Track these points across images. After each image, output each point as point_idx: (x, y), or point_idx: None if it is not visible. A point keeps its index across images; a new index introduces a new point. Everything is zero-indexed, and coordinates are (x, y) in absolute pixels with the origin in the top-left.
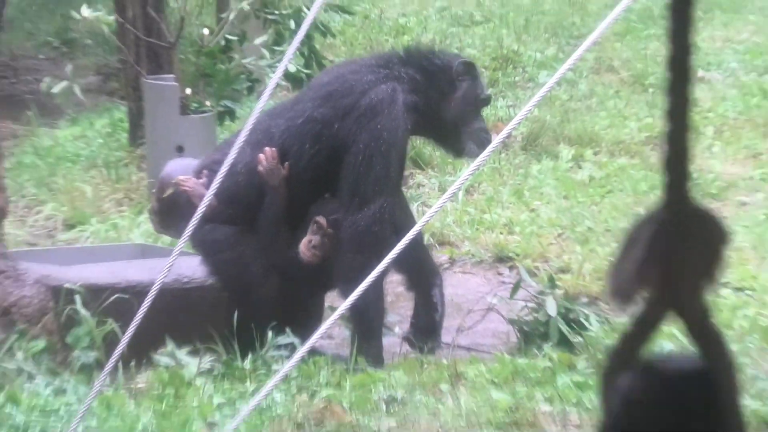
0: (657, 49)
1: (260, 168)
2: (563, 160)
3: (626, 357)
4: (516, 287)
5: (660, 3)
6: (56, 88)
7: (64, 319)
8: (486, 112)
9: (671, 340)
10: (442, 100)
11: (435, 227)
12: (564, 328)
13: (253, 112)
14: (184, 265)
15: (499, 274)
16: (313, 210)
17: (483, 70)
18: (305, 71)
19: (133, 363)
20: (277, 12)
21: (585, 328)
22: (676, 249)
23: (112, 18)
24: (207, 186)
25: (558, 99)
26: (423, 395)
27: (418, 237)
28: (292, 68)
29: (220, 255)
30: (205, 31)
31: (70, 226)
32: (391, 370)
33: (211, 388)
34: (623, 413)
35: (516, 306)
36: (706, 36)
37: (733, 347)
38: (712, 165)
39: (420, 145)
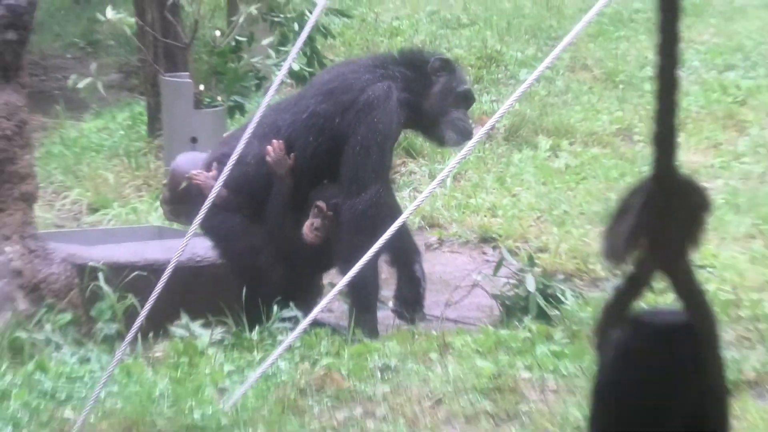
0: (627, 49)
1: (268, 159)
2: (542, 150)
3: (618, 312)
4: (499, 265)
5: (629, 7)
6: (81, 85)
7: (88, 295)
8: (471, 106)
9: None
10: (425, 95)
11: (425, 211)
12: (542, 303)
13: (260, 106)
14: (197, 245)
15: (484, 253)
16: (314, 195)
17: (469, 68)
18: (308, 69)
19: (150, 334)
20: (282, 15)
21: (561, 303)
22: (664, 216)
23: (133, 20)
24: (217, 179)
25: (537, 94)
26: (414, 363)
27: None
28: (296, 67)
29: (231, 242)
30: (217, 33)
31: (93, 209)
32: (386, 340)
33: (221, 357)
34: (616, 363)
35: (499, 282)
36: None
37: None
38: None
39: (412, 136)
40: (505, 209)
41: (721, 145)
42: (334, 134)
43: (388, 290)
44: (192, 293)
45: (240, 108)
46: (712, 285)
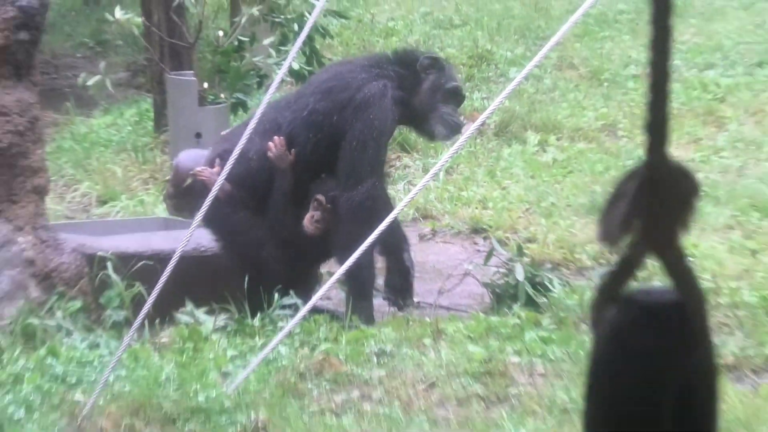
0: (611, 48)
1: (270, 154)
2: (530, 145)
3: (613, 292)
4: (489, 255)
5: (614, 8)
6: (91, 83)
7: (98, 283)
8: (463, 103)
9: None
10: (416, 92)
11: (419, 203)
12: (530, 291)
13: (261, 103)
14: (202, 235)
15: (475, 243)
16: (313, 189)
17: (461, 66)
18: (307, 68)
19: (157, 321)
20: (282, 16)
21: (549, 291)
22: (656, 200)
23: (140, 20)
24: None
25: (526, 92)
26: (409, 349)
27: (390, 209)
28: (296, 66)
29: (235, 234)
30: (220, 33)
31: (102, 202)
32: (381, 327)
33: (225, 343)
34: (611, 339)
35: (489, 271)
36: None
37: None
38: None
39: (406, 131)
40: (495, 201)
41: (701, 140)
42: (332, 131)
43: (383, 279)
44: (197, 282)
45: (242, 105)
46: None
